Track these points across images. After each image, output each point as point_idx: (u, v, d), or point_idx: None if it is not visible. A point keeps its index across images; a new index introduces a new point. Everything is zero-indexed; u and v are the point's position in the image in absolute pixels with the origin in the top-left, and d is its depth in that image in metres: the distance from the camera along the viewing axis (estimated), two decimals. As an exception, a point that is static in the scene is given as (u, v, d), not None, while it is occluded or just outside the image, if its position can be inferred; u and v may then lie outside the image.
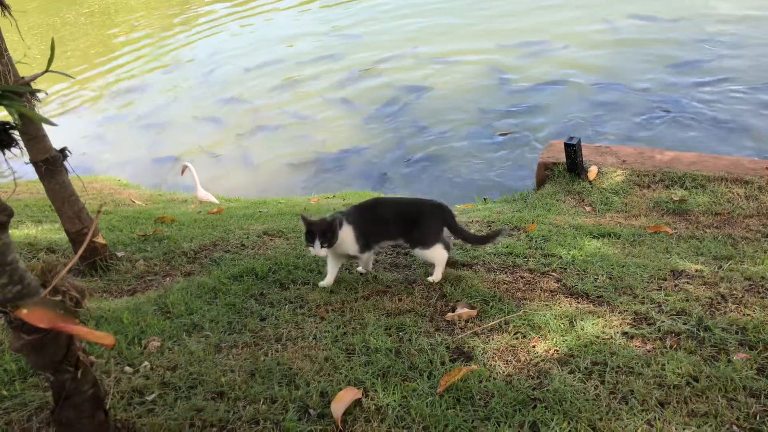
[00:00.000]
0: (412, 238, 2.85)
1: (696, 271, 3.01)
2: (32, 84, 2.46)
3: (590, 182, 4.76)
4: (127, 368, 2.21)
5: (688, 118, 6.81)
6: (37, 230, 4.16)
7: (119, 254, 3.47)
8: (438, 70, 8.92)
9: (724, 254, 3.31)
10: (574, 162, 4.78)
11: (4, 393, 2.02)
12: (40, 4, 17.13)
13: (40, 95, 2.76)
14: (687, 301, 2.62)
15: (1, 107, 1.34)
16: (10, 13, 2.66)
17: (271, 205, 5.57)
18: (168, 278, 3.25)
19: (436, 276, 2.88)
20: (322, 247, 2.72)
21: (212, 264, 3.37)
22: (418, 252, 2.86)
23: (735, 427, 1.82)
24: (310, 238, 2.74)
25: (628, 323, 2.45)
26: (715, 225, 3.95)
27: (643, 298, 2.68)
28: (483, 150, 7.02)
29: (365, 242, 2.85)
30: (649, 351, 2.24)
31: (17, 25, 2.61)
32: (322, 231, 2.72)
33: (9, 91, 1.28)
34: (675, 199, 4.31)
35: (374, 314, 2.56)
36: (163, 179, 7.43)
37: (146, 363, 2.23)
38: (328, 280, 2.92)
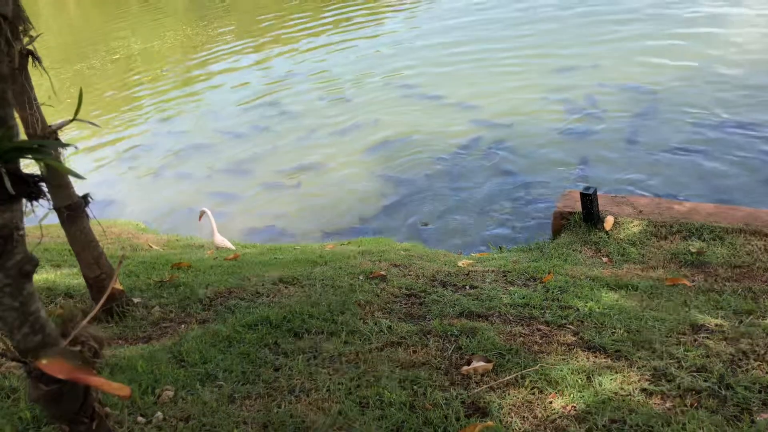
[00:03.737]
0: None
1: (716, 325, 2.96)
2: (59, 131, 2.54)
3: (607, 232, 4.74)
4: (140, 418, 2.20)
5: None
6: (55, 275, 4.21)
7: (135, 300, 3.49)
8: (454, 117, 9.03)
9: (745, 308, 3.25)
10: (590, 212, 4.78)
11: (18, 441, 2.02)
12: (65, 54, 17.72)
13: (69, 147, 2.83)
14: (707, 357, 2.57)
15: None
16: (42, 65, 2.76)
17: (286, 251, 5.60)
18: (183, 325, 3.26)
19: None
20: None
21: (227, 312, 3.37)
22: None
23: (761, 492, 1.76)
24: None
25: (647, 379, 2.41)
26: (734, 278, 3.90)
27: (662, 353, 2.64)
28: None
29: None
30: (669, 409, 2.19)
31: (51, 80, 2.70)
32: None
33: (40, 144, 1.32)
34: (693, 250, 4.27)
35: (388, 366, 2.54)
36: (180, 225, 7.51)
37: (159, 413, 2.22)
38: None
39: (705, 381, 2.36)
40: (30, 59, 2.78)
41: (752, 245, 4.24)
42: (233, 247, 5.93)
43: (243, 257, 5.10)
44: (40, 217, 1.78)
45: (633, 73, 9.18)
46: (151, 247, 6.04)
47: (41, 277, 4.10)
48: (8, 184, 1.26)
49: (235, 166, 8.87)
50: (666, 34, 10.32)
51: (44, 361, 1.32)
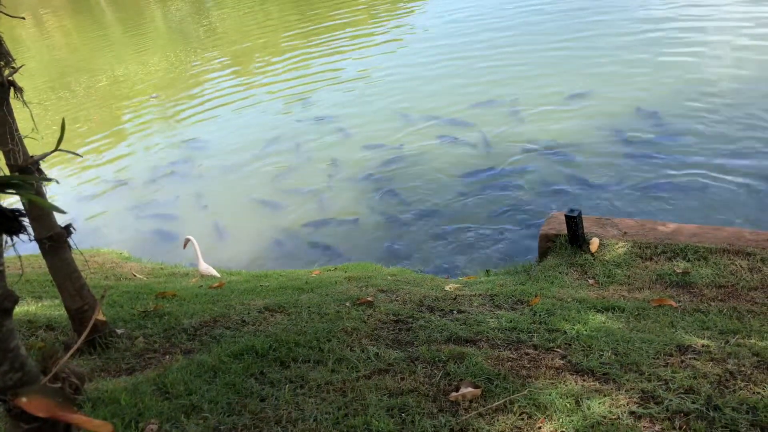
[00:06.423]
0: None
1: (702, 346, 2.97)
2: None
3: (592, 254, 4.76)
4: (123, 453, 2.16)
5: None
6: (36, 307, 4.14)
7: (119, 331, 3.44)
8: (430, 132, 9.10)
9: (731, 328, 3.27)
10: (575, 234, 4.80)
11: (-4, 481, 1.96)
12: (48, 77, 17.70)
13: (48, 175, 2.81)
14: (695, 378, 2.58)
15: None
16: (22, 98, 2.75)
17: (272, 278, 5.56)
18: (167, 356, 3.21)
19: None
20: None
21: (212, 341, 3.33)
22: None
23: None
24: None
25: (636, 402, 2.40)
26: (719, 298, 3.92)
27: (650, 375, 2.64)
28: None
29: None
30: (658, 432, 2.19)
31: (31, 114, 2.69)
32: None
33: (22, 180, 1.31)
34: (678, 271, 4.30)
35: (376, 394, 2.51)
36: (163, 251, 7.45)
37: (143, 447, 2.18)
38: None
39: (693, 403, 2.36)
40: (12, 90, 2.77)
41: (736, 265, 4.28)
42: (218, 275, 5.88)
43: (228, 285, 5.06)
44: (19, 248, 1.76)
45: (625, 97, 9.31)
46: (135, 276, 5.97)
47: (22, 309, 4.03)
48: (-13, 220, 1.24)
49: (219, 193, 8.85)
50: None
51: (24, 399, 1.29)
